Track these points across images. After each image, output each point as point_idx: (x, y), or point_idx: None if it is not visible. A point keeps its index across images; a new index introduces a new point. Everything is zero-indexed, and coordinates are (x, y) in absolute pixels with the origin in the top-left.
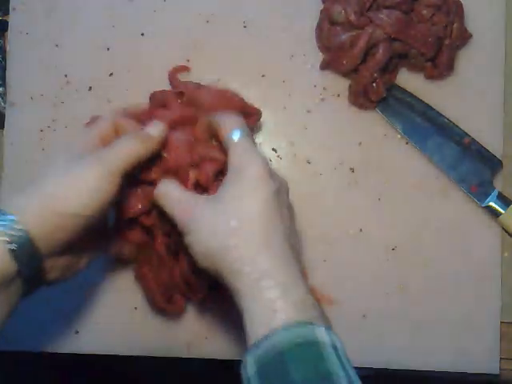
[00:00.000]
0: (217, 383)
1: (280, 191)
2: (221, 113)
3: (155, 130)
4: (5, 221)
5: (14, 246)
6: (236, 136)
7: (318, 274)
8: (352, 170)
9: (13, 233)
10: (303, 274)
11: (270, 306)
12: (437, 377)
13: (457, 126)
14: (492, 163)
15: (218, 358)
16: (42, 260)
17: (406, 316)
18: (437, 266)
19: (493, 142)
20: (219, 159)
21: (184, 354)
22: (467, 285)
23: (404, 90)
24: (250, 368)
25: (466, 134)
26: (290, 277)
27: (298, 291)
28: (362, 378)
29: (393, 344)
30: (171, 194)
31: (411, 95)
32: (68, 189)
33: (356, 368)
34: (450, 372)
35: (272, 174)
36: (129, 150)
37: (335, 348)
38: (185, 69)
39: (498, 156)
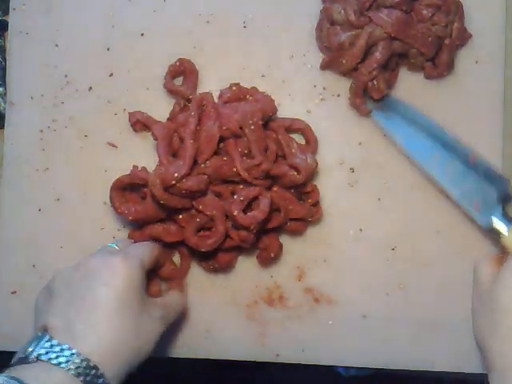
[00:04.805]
0: (217, 383)
1: None
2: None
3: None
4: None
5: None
6: None
7: (318, 274)
8: (352, 169)
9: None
10: None
11: None
12: (437, 377)
13: (460, 143)
14: (498, 183)
15: (218, 358)
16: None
17: (406, 316)
18: (437, 266)
19: (492, 143)
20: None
21: (184, 354)
22: (467, 285)
23: (402, 102)
24: None
25: (471, 151)
26: None
27: None
28: (362, 377)
29: (393, 344)
30: None
31: (409, 108)
32: (139, 342)
33: (356, 368)
34: (450, 372)
35: None
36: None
37: None
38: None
39: (499, 157)
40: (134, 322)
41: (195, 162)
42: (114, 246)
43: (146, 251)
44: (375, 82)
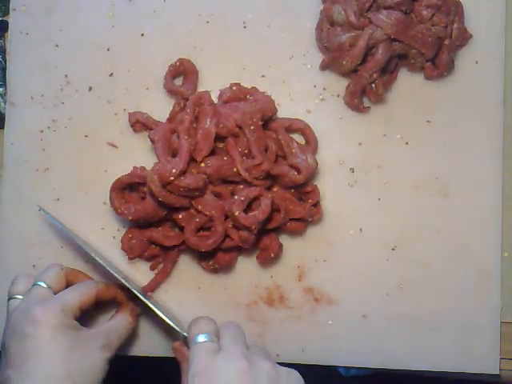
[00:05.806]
0: None
1: None
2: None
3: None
4: None
5: None
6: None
7: (318, 274)
8: (352, 169)
9: None
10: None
11: None
12: (437, 377)
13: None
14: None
15: None
16: None
17: (406, 316)
18: (437, 266)
19: (492, 143)
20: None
21: None
22: (467, 285)
23: None
24: None
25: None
26: None
27: None
28: (362, 377)
29: (393, 344)
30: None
31: None
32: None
33: (356, 368)
34: (450, 372)
35: None
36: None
37: None
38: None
39: (499, 157)
40: (67, 362)
41: (195, 161)
42: (42, 284)
43: (72, 297)
44: (373, 86)
